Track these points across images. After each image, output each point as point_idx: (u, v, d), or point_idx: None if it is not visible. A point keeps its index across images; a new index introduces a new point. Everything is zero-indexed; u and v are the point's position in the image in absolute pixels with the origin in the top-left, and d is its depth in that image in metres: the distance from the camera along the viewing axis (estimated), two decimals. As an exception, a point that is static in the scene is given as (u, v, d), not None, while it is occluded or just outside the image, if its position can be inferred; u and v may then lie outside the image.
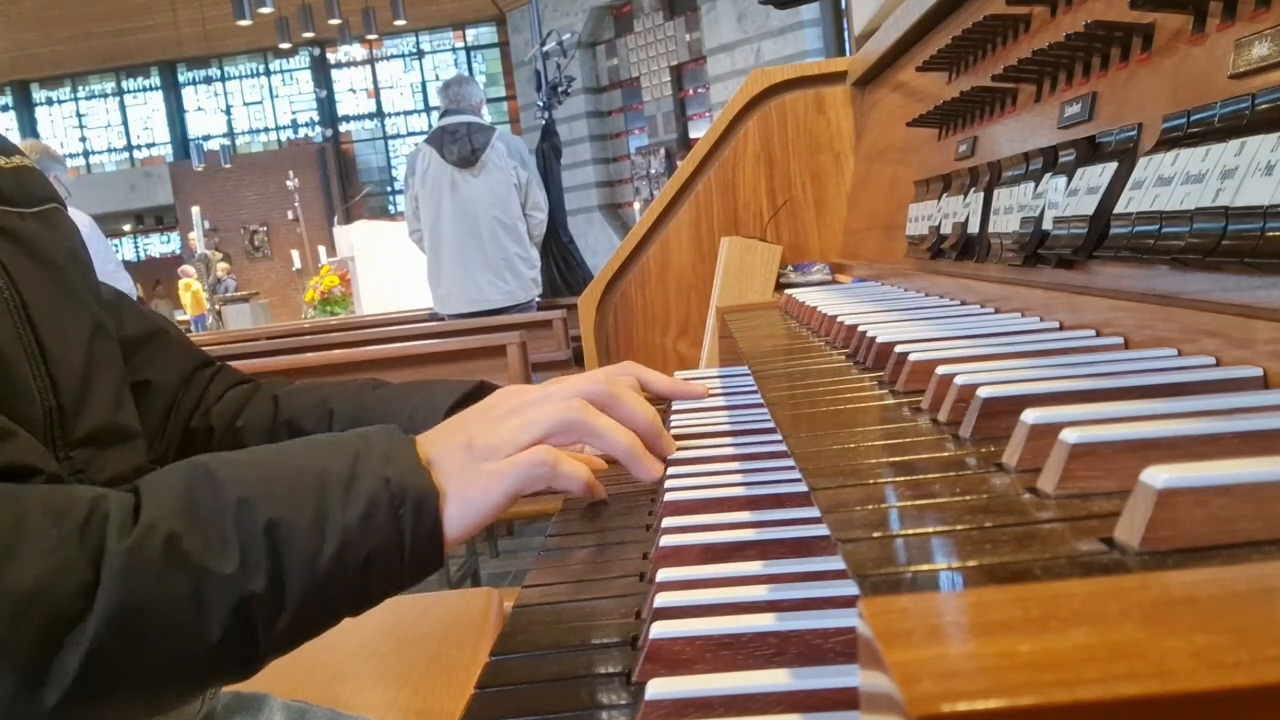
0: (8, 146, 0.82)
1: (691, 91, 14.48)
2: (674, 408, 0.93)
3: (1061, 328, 0.78)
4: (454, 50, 19.64)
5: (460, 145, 4.38)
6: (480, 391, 0.90)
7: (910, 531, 0.39)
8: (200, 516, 0.60)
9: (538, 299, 4.75)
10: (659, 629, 0.43)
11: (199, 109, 20.67)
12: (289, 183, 14.00)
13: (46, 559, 0.55)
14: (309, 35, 15.47)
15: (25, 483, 0.63)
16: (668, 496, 0.65)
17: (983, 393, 0.51)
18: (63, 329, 0.76)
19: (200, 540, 0.59)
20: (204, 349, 1.02)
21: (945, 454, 0.49)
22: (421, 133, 19.44)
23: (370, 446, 0.66)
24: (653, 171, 14.37)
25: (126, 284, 4.43)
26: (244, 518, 0.60)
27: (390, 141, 20.25)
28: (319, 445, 0.67)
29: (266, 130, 20.73)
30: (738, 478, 0.67)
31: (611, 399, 0.74)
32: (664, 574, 0.51)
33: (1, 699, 0.54)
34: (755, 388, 0.87)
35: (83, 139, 20.60)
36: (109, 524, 0.58)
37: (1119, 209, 0.71)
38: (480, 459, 0.67)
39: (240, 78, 20.57)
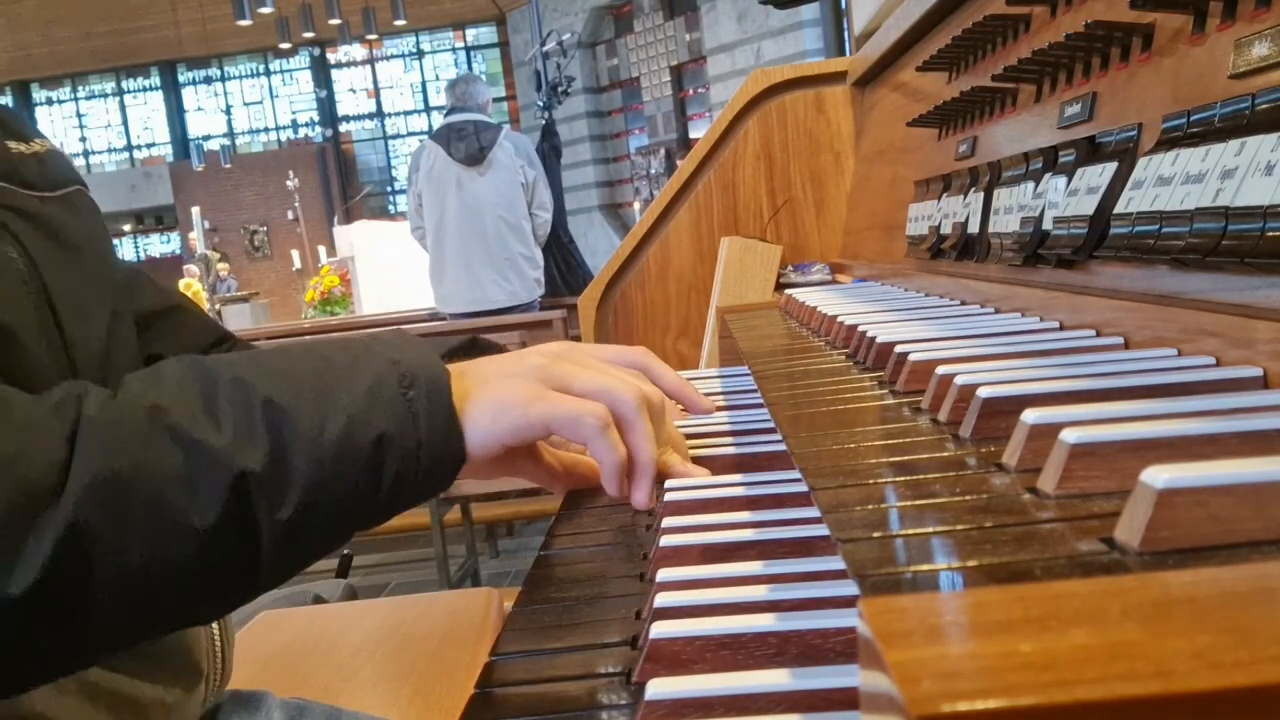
0: (30, 132, 0.82)
1: (691, 91, 14.48)
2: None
3: (1061, 328, 0.78)
4: (454, 50, 19.64)
5: (468, 143, 4.37)
6: (473, 346, 0.87)
7: (910, 531, 0.39)
8: (190, 393, 0.55)
9: (540, 299, 4.75)
10: (659, 629, 0.43)
11: (199, 109, 20.67)
12: (289, 183, 13.99)
13: (16, 434, 0.51)
14: (309, 35, 15.47)
15: None
16: (668, 496, 0.65)
17: (983, 393, 0.51)
18: (83, 312, 0.75)
19: (189, 413, 0.54)
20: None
21: (945, 454, 0.49)
22: (421, 133, 19.45)
23: (377, 338, 0.63)
24: (653, 171, 14.37)
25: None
26: (239, 395, 0.56)
27: (390, 141, 20.25)
28: (320, 341, 0.64)
29: (266, 130, 20.73)
30: (738, 478, 0.67)
31: (660, 414, 0.70)
32: (664, 574, 0.51)
33: None
34: (755, 388, 0.87)
35: (83, 139, 20.60)
36: (86, 400, 0.54)
37: (1119, 209, 0.71)
38: (528, 376, 0.64)
39: (240, 78, 20.58)
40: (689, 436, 0.80)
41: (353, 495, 0.58)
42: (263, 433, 0.55)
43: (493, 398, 0.62)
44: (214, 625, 0.83)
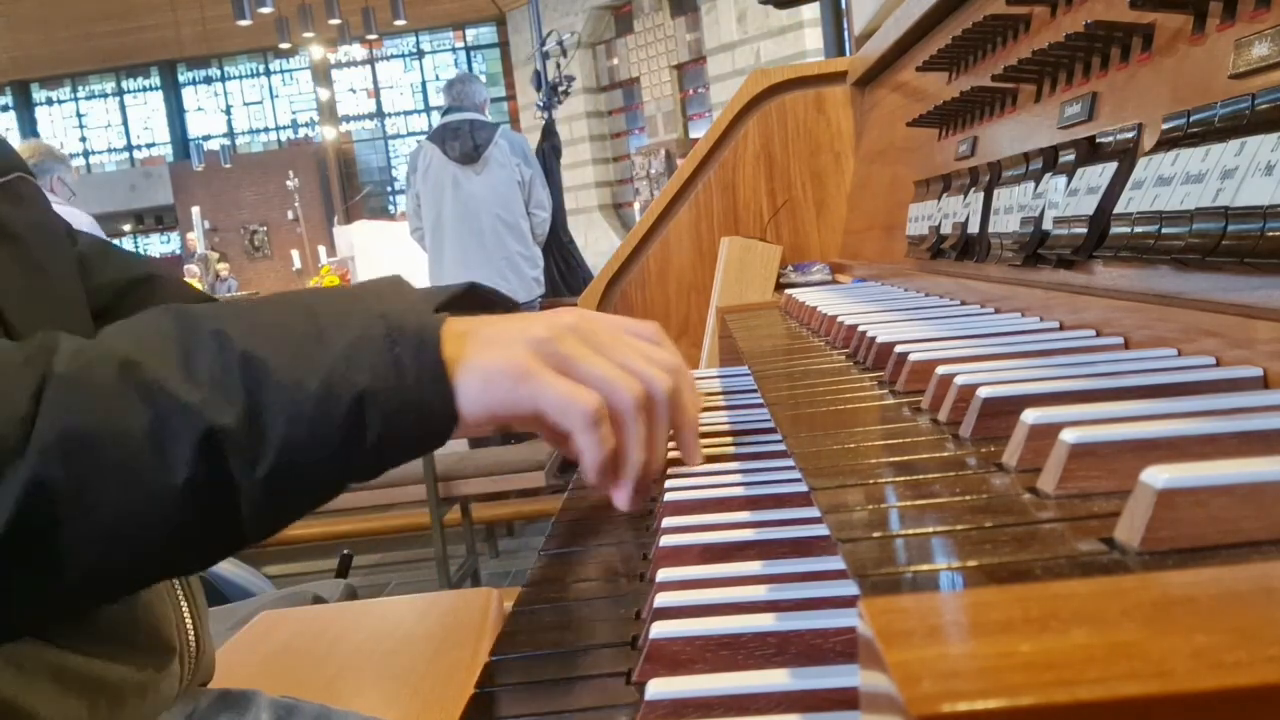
0: None
1: (691, 91, 14.48)
2: None
3: (1061, 328, 0.78)
4: (454, 50, 19.65)
5: (463, 142, 4.38)
6: (470, 292, 0.82)
7: (910, 531, 0.39)
8: (165, 345, 0.54)
9: (540, 299, 4.74)
10: (659, 629, 0.43)
11: (199, 109, 20.68)
12: (289, 183, 14.01)
13: None
14: (309, 35, 15.47)
15: None
16: (668, 496, 0.65)
17: (983, 393, 0.51)
18: (29, 305, 0.73)
19: (161, 367, 0.53)
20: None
21: (945, 454, 0.49)
22: (422, 133, 19.46)
23: (367, 287, 0.60)
24: (653, 171, 14.37)
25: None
26: (216, 347, 0.54)
27: (390, 141, 20.26)
28: (311, 291, 0.62)
29: (266, 130, 20.74)
30: (738, 478, 0.67)
31: (674, 398, 0.65)
32: (664, 574, 0.51)
33: None
34: (755, 388, 0.87)
35: (83, 139, 20.61)
36: (58, 353, 0.53)
37: (1119, 209, 0.71)
38: (527, 348, 0.60)
39: (240, 78, 20.59)
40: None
41: (335, 452, 0.56)
42: (238, 389, 0.54)
43: (485, 364, 0.58)
44: (182, 601, 0.80)
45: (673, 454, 0.71)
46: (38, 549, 0.51)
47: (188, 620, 0.82)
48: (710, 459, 0.73)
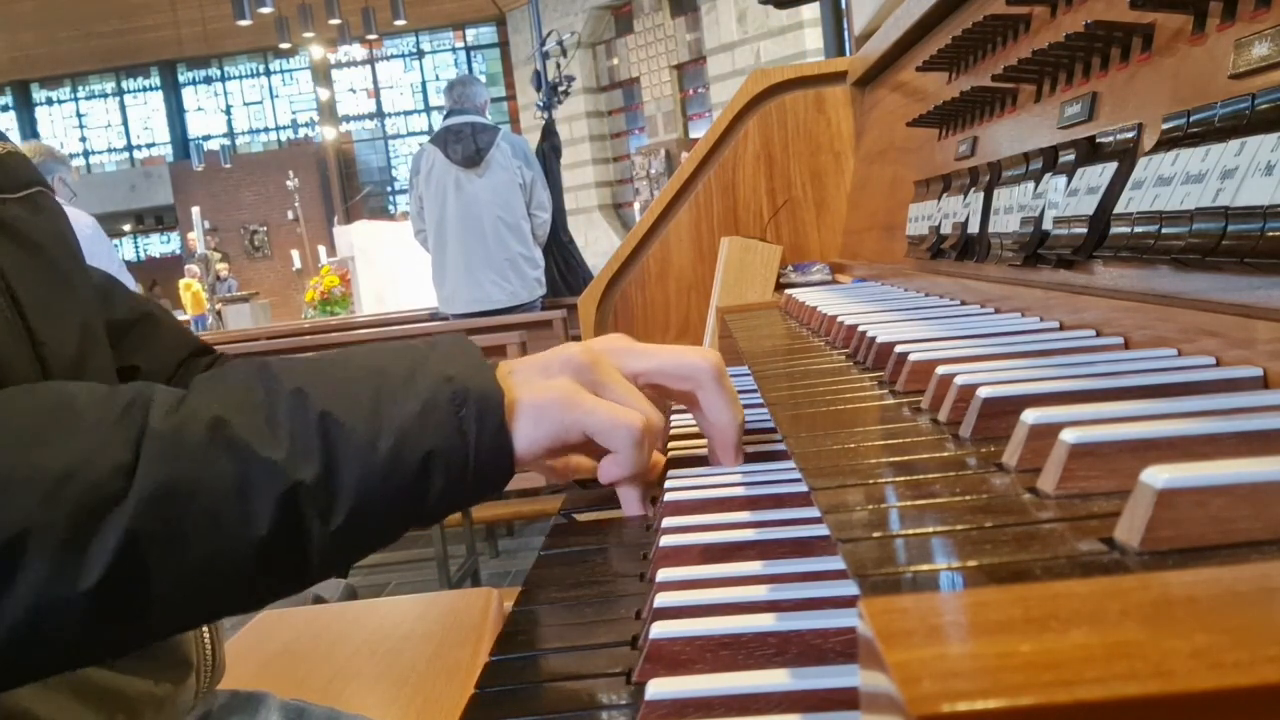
0: None
1: (691, 91, 14.49)
2: (673, 406, 0.93)
3: (1061, 328, 0.78)
4: (454, 50, 19.66)
5: (465, 145, 4.41)
6: None
7: (910, 531, 0.39)
8: (251, 404, 0.59)
9: (541, 299, 4.77)
10: (659, 629, 0.43)
11: (199, 109, 20.69)
12: (289, 183, 14.02)
13: (83, 441, 0.54)
14: (309, 35, 15.48)
15: None
16: (668, 496, 0.65)
17: (983, 393, 0.51)
18: (52, 314, 0.74)
19: (248, 426, 0.57)
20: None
21: (945, 454, 0.49)
22: (421, 133, 19.48)
23: (434, 348, 0.65)
24: (653, 171, 14.37)
25: (129, 285, 4.44)
26: (297, 407, 0.59)
27: (390, 141, 20.27)
28: (381, 348, 0.66)
29: (266, 130, 20.75)
30: (738, 478, 0.67)
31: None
32: (664, 574, 0.51)
33: (35, 584, 0.51)
34: (755, 388, 0.87)
35: (83, 139, 20.61)
36: (152, 407, 0.56)
37: (1119, 209, 0.71)
38: (569, 379, 0.66)
39: (240, 78, 20.60)
40: (689, 435, 0.80)
41: (400, 506, 0.61)
42: (317, 447, 0.58)
43: (535, 402, 0.64)
44: None
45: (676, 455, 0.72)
46: (130, 591, 0.54)
47: (205, 636, 0.84)
48: (708, 460, 0.73)
